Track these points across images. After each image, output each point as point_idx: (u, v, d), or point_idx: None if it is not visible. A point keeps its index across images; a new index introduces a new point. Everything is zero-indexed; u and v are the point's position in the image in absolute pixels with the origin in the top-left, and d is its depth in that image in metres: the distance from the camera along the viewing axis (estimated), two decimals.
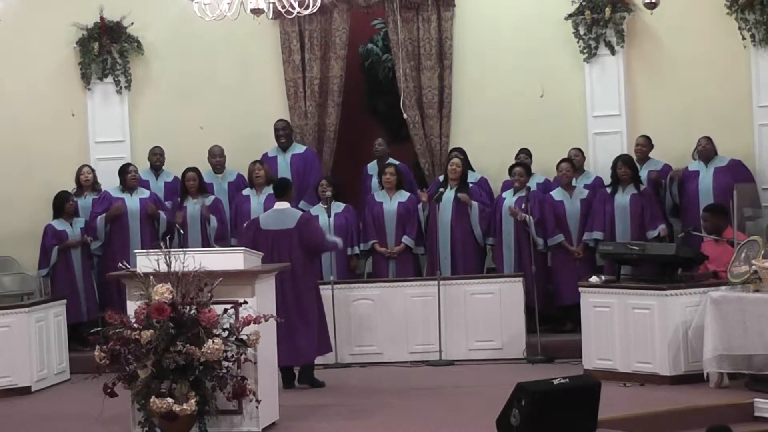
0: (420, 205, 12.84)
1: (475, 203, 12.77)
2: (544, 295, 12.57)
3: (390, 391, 10.75)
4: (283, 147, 13.54)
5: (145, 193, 13.16)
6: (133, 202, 13.05)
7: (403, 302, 12.27)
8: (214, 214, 13.02)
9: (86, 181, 13.30)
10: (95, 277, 13.14)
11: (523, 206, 12.52)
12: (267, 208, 12.66)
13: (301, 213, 11.28)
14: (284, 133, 13.51)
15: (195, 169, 13.18)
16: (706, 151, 12.65)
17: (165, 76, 14.06)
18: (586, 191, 12.77)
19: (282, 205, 11.16)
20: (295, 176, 13.04)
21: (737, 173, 12.56)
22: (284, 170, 13.37)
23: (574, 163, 12.98)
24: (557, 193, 12.86)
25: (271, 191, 12.95)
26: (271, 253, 10.82)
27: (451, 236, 12.81)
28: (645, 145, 12.96)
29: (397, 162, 13.39)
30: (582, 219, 12.69)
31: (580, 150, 13.20)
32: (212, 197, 13.22)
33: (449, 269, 12.73)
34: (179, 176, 13.35)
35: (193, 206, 13.11)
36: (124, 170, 13.12)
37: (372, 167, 13.62)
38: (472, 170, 13.27)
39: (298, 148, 13.62)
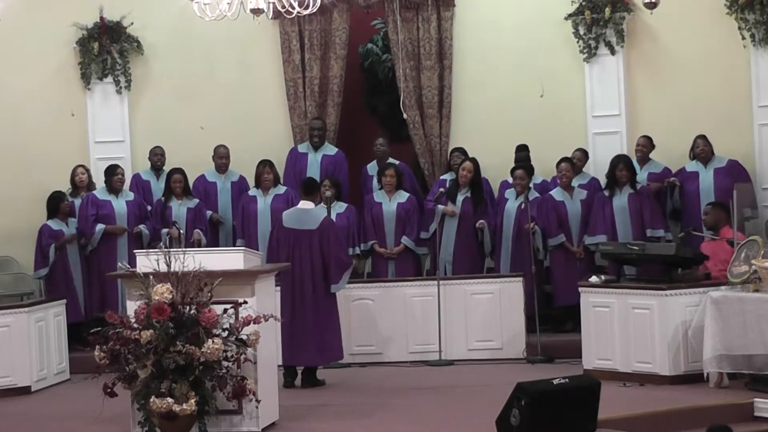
0: (440, 209, 12.73)
1: (486, 228, 12.75)
2: (542, 296, 12.58)
3: (390, 391, 10.75)
4: (315, 146, 13.53)
5: (130, 196, 13.12)
6: (119, 204, 13.01)
7: (403, 302, 12.27)
8: (198, 228, 12.99)
9: (81, 182, 13.28)
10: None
11: (523, 206, 12.51)
12: (273, 208, 12.73)
13: (325, 215, 11.27)
14: (318, 134, 13.50)
15: (181, 171, 13.16)
16: (704, 153, 12.64)
17: (165, 76, 14.06)
18: (585, 192, 12.75)
19: (307, 204, 11.16)
20: (323, 176, 13.00)
21: (736, 174, 12.55)
22: (314, 169, 13.36)
23: (576, 163, 12.95)
24: (557, 193, 12.85)
25: (279, 192, 13.02)
26: (292, 251, 10.88)
27: (456, 239, 12.79)
28: (645, 145, 12.95)
29: (397, 162, 13.39)
30: (582, 220, 12.68)
31: (584, 151, 13.18)
32: (196, 200, 13.19)
33: (450, 271, 12.71)
34: None
35: (178, 208, 13.07)
36: (112, 172, 13.06)
37: (372, 167, 13.61)
38: (479, 177, 13.24)
39: (330, 149, 13.60)
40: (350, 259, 11.56)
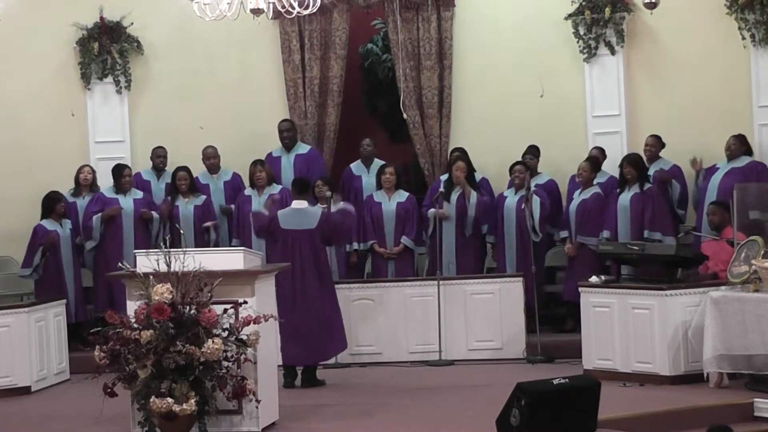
0: (431, 213, 12.75)
1: (474, 193, 12.74)
2: (542, 296, 12.58)
3: (390, 391, 10.75)
4: (287, 147, 13.54)
5: (138, 194, 13.14)
6: (126, 203, 13.02)
7: (403, 302, 12.27)
8: (209, 220, 13.04)
9: (85, 181, 13.29)
10: (92, 278, 13.13)
11: (522, 206, 12.51)
12: None
13: (321, 211, 11.31)
14: (288, 135, 13.50)
15: (186, 169, 13.18)
16: (730, 151, 12.56)
17: (165, 76, 14.06)
18: (591, 192, 12.68)
19: (301, 204, 11.20)
20: (298, 176, 13.00)
21: (753, 175, 12.35)
22: (287, 171, 13.37)
23: (599, 160, 12.91)
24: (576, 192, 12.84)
25: (273, 192, 13.02)
26: (292, 252, 10.89)
27: (455, 239, 12.79)
28: (653, 145, 12.92)
29: (383, 162, 13.37)
30: (577, 219, 12.64)
31: (600, 149, 13.16)
32: (203, 197, 13.21)
33: (453, 271, 12.71)
34: None
35: (185, 206, 13.10)
36: (120, 173, 13.08)
37: (357, 167, 13.59)
38: (473, 170, 13.28)
39: (302, 148, 13.61)
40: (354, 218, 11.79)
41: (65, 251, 12.83)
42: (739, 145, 12.56)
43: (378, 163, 13.37)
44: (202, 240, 12.97)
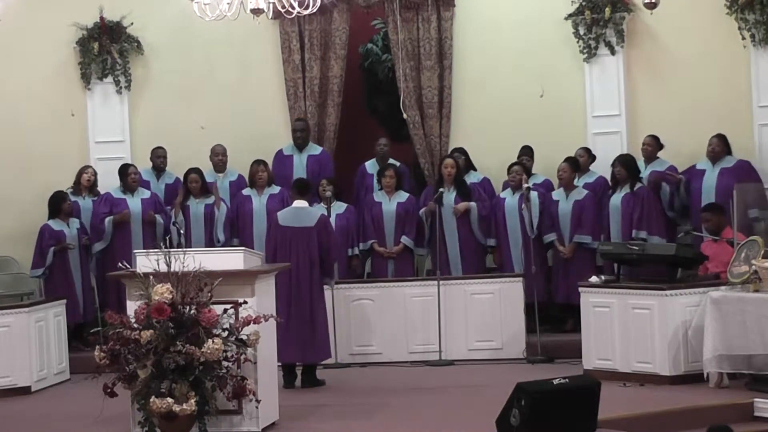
0: (422, 212, 12.80)
1: (473, 204, 12.76)
2: (544, 294, 12.58)
3: (390, 391, 10.75)
4: (300, 147, 13.54)
5: (146, 194, 13.16)
6: (134, 203, 13.04)
7: (403, 302, 12.27)
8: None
9: (87, 182, 13.28)
10: (95, 278, 13.14)
11: (523, 206, 12.51)
12: (269, 208, 12.73)
13: (321, 213, 11.34)
14: (301, 135, 13.50)
15: (197, 170, 13.18)
16: (713, 153, 12.58)
17: (165, 76, 14.06)
18: (584, 193, 12.68)
19: (301, 203, 11.23)
20: (309, 176, 12.99)
21: (744, 174, 12.41)
22: (299, 170, 13.36)
23: (580, 163, 12.93)
24: (556, 193, 12.84)
25: (273, 192, 13.04)
26: (289, 249, 10.92)
27: (458, 238, 12.79)
28: (651, 144, 12.92)
29: (397, 163, 13.39)
30: (573, 220, 12.63)
31: (587, 150, 13.16)
32: (213, 197, 13.21)
33: (460, 270, 12.72)
34: (181, 177, 13.35)
35: (196, 206, 13.11)
36: (125, 171, 13.11)
37: (371, 165, 13.60)
38: (474, 170, 13.28)
39: (314, 149, 13.60)
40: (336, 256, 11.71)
41: (73, 251, 12.83)
42: (723, 146, 12.58)
43: (391, 163, 13.34)
44: (212, 240, 12.96)
